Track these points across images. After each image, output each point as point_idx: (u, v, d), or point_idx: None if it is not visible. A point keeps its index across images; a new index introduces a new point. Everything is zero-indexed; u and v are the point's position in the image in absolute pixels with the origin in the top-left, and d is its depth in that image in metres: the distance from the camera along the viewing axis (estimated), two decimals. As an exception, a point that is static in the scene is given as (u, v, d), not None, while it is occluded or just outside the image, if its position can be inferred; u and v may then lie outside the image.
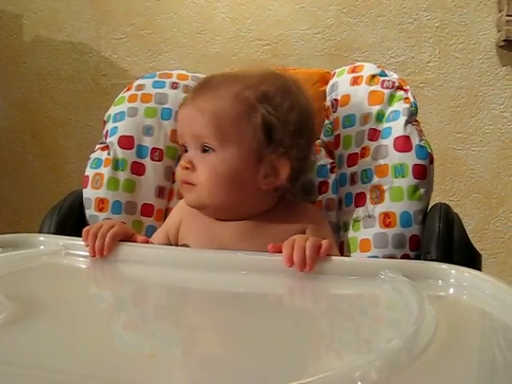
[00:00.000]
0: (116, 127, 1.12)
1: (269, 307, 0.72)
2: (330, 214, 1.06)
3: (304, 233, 0.93)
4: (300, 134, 0.94)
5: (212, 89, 0.94)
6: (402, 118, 1.00)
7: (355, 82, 1.08)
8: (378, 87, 1.06)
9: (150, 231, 1.07)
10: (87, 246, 0.86)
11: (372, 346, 0.61)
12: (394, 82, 1.06)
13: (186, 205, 0.97)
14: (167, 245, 0.99)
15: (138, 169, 1.09)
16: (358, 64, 1.13)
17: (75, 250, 0.87)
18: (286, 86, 0.96)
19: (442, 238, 0.91)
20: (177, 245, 0.99)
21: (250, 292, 0.78)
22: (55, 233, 1.00)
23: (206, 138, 0.92)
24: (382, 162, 0.99)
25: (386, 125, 1.02)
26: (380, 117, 1.03)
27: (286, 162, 0.93)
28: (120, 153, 1.09)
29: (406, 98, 1.04)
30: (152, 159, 1.10)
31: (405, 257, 0.95)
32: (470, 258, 0.91)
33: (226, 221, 0.96)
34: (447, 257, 0.89)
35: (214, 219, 0.97)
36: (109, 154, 1.10)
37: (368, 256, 0.96)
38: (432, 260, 0.88)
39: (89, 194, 1.08)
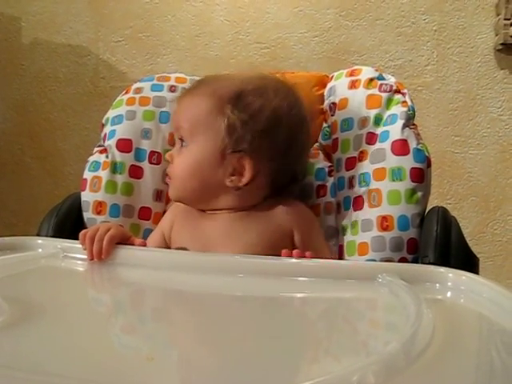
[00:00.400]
0: (114, 130, 1.12)
1: (266, 310, 0.72)
2: (329, 217, 1.06)
3: (291, 231, 0.96)
4: (269, 135, 0.94)
5: (196, 87, 1.00)
6: (400, 122, 1.00)
7: (353, 85, 1.09)
8: (375, 91, 1.06)
9: (148, 234, 1.06)
10: (85, 249, 0.86)
11: (369, 349, 0.61)
12: (391, 86, 1.06)
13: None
14: (163, 245, 1.00)
15: (136, 172, 1.09)
16: (355, 67, 1.13)
17: (73, 252, 0.87)
18: (265, 86, 0.97)
19: (439, 242, 0.91)
20: (170, 246, 1.00)
21: (247, 295, 0.78)
22: (53, 236, 1.00)
23: (181, 131, 0.97)
24: (379, 165, 0.99)
25: (383, 128, 1.02)
26: (378, 120, 1.03)
27: (249, 162, 0.93)
28: (118, 156, 1.10)
29: (404, 102, 1.04)
30: (150, 162, 1.10)
31: (402, 260, 0.95)
32: (468, 262, 0.91)
33: (213, 214, 0.97)
34: (445, 260, 0.89)
35: (202, 215, 0.98)
36: (107, 157, 1.10)
37: (366, 259, 0.96)
38: (429, 263, 0.88)
39: (87, 196, 1.08)
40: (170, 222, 1.01)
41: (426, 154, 0.99)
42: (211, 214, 0.98)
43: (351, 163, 1.04)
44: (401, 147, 0.99)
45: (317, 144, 1.12)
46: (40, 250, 0.89)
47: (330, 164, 1.10)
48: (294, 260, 0.82)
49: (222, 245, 0.93)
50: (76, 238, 0.89)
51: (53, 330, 0.61)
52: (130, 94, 1.16)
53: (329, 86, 1.13)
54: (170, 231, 1.00)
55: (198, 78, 1.18)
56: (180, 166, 0.97)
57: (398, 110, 1.03)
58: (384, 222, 0.96)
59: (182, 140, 0.97)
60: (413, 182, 0.97)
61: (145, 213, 1.09)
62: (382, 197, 0.98)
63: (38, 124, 2.18)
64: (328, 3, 1.99)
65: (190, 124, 0.96)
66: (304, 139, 1.02)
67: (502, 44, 1.89)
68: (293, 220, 0.96)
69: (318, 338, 0.62)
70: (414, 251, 0.95)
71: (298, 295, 0.79)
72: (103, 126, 1.15)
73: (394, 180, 0.98)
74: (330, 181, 1.09)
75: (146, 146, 1.11)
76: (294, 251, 0.84)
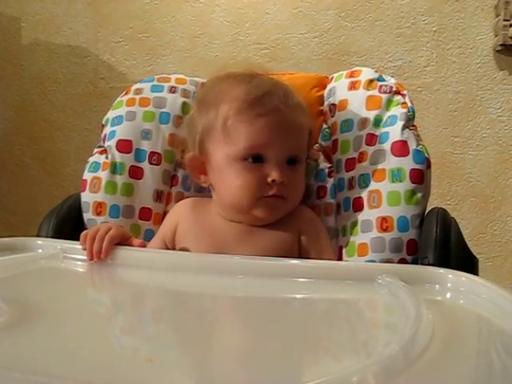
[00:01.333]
0: (114, 131, 1.12)
1: (266, 311, 0.72)
2: (329, 218, 1.06)
3: (298, 235, 0.97)
4: None
5: (299, 104, 0.98)
6: (400, 123, 1.00)
7: (353, 86, 1.09)
8: (375, 92, 1.06)
9: (148, 235, 1.06)
10: (85, 249, 0.86)
11: (369, 350, 0.61)
12: (391, 87, 1.06)
13: (258, 218, 0.95)
14: (165, 249, 0.99)
15: (135, 173, 1.09)
16: (355, 69, 1.13)
17: (73, 253, 0.87)
18: None
19: (439, 243, 0.91)
20: (174, 248, 0.99)
21: (247, 296, 0.78)
22: (53, 236, 1.00)
23: (300, 151, 0.98)
24: (379, 166, 1.00)
25: (383, 129, 1.02)
26: (377, 122, 1.03)
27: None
28: (118, 157, 1.09)
29: (404, 103, 1.04)
30: (150, 163, 1.10)
31: (402, 261, 0.95)
32: (467, 263, 0.91)
33: (229, 221, 0.98)
34: (444, 261, 0.89)
35: (215, 217, 0.99)
36: (107, 157, 1.10)
37: (365, 260, 0.96)
38: (429, 264, 0.88)
39: (87, 197, 1.08)
40: (173, 226, 1.01)
41: (426, 155, 0.99)
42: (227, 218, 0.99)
43: (351, 164, 1.04)
44: (400, 148, 0.99)
45: (317, 145, 1.12)
46: (40, 251, 0.89)
47: (329, 165, 1.10)
48: (294, 261, 0.82)
49: (234, 249, 0.93)
50: (76, 238, 0.89)
51: (52, 331, 0.61)
52: (130, 95, 1.16)
53: (329, 87, 1.14)
54: (174, 233, 1.00)
55: (198, 80, 1.18)
56: (300, 185, 0.99)
57: (397, 111, 1.03)
58: (384, 223, 0.96)
59: (295, 159, 0.96)
60: (412, 183, 0.97)
61: (145, 213, 1.08)
62: (381, 198, 0.98)
63: (37, 125, 2.18)
64: (327, 4, 2.00)
65: (304, 143, 0.99)
66: None
67: (501, 45, 1.89)
68: (299, 224, 0.98)
69: (317, 339, 0.62)
70: (413, 252, 0.95)
71: (298, 296, 0.79)
72: (103, 126, 1.15)
73: (393, 181, 0.98)
74: (330, 182, 1.09)
75: (146, 146, 1.10)
76: None
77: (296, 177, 0.96)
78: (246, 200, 0.94)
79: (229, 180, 0.94)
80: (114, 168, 1.09)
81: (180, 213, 1.02)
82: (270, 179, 0.92)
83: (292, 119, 0.94)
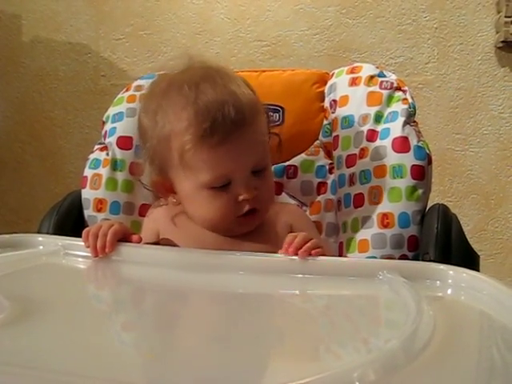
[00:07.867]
0: (115, 128, 1.12)
1: (267, 307, 0.72)
2: (329, 214, 1.06)
3: (291, 228, 0.95)
4: None
5: (250, 101, 0.88)
6: (401, 119, 1.00)
7: (354, 82, 1.09)
8: (376, 88, 1.06)
9: (149, 231, 1.06)
10: (87, 247, 0.85)
11: (370, 346, 0.61)
12: (392, 83, 1.06)
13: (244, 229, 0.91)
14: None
15: (136, 169, 1.09)
16: (356, 65, 1.13)
17: (74, 250, 0.87)
18: None
19: (440, 239, 0.91)
20: None
21: (248, 292, 0.78)
22: (54, 233, 1.00)
23: (264, 158, 0.91)
24: (380, 162, 0.99)
25: (384, 126, 1.02)
26: (378, 118, 1.03)
27: None
28: (118, 153, 1.10)
29: (405, 99, 1.04)
30: (151, 159, 1.09)
31: (403, 257, 0.95)
32: (468, 259, 0.91)
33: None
34: (445, 257, 0.89)
35: (198, 231, 0.93)
36: (107, 154, 1.10)
37: (366, 256, 0.96)
38: (430, 261, 0.89)
39: (87, 194, 1.08)
40: (153, 234, 0.96)
41: (427, 152, 0.99)
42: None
43: (352, 160, 1.04)
44: (401, 144, 0.99)
45: (317, 141, 1.12)
46: (41, 248, 0.89)
47: (330, 161, 1.10)
48: (294, 257, 0.82)
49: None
50: (77, 235, 0.88)
51: (53, 327, 0.61)
52: (131, 92, 1.16)
53: (329, 83, 1.13)
54: (156, 243, 0.95)
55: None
56: (270, 191, 0.94)
57: (398, 107, 1.03)
58: (385, 219, 0.96)
59: (260, 168, 0.90)
60: (413, 179, 0.97)
61: (145, 210, 1.08)
62: (382, 194, 0.98)
63: (38, 122, 2.18)
64: (328, 1, 1.99)
65: (266, 147, 0.92)
66: None
67: (502, 42, 1.89)
68: (290, 219, 0.97)
69: (318, 335, 0.62)
70: (414, 248, 0.95)
71: (299, 292, 0.79)
72: (104, 123, 1.15)
73: (394, 177, 0.98)
74: (331, 178, 1.09)
75: (147, 143, 1.10)
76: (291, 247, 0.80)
77: (264, 184, 0.90)
78: (222, 223, 0.90)
79: (200, 207, 0.89)
80: (115, 164, 1.09)
81: (158, 221, 0.98)
82: (241, 198, 0.87)
83: (251, 131, 0.87)
